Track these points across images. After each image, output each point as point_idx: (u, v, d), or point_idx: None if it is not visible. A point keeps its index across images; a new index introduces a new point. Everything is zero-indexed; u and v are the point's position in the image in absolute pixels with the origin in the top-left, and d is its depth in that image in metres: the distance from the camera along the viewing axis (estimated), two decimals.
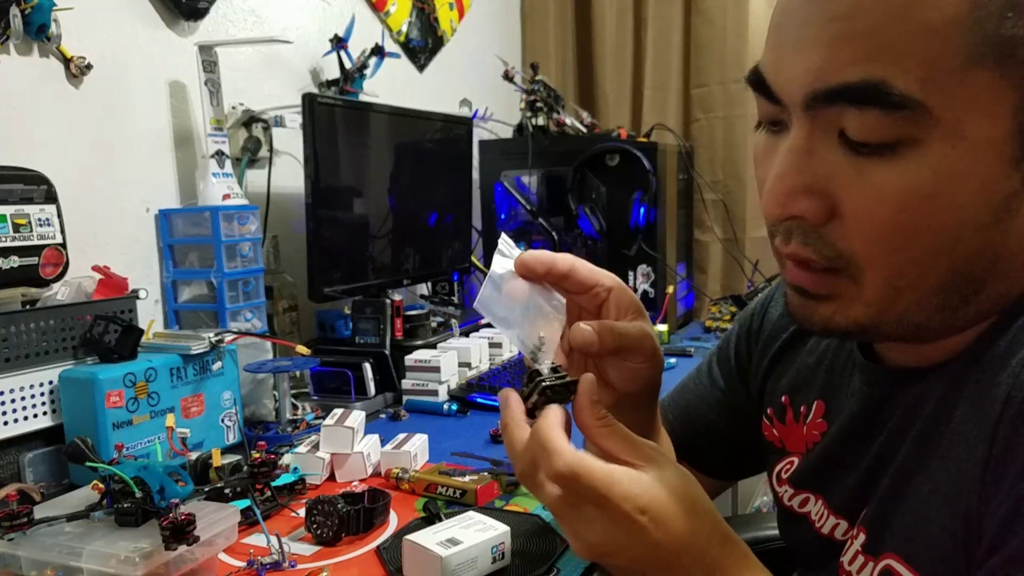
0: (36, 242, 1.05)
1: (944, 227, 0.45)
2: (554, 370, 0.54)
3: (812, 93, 0.45)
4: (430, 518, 0.85)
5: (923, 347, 0.53)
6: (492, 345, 1.51)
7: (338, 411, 1.04)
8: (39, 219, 1.06)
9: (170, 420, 0.95)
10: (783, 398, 0.69)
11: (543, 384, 0.52)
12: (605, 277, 0.61)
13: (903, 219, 0.45)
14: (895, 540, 0.51)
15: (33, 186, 1.06)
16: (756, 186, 0.53)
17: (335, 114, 1.40)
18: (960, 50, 0.42)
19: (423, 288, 1.86)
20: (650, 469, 0.49)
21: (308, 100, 1.32)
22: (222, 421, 1.12)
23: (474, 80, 2.22)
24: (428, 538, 0.73)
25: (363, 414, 1.05)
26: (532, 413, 0.52)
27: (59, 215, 1.09)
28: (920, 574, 0.48)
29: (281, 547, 0.77)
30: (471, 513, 0.80)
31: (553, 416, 0.50)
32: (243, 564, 0.77)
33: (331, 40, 1.62)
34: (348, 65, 1.62)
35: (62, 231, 1.09)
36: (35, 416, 0.98)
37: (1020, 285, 0.48)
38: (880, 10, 0.43)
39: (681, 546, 0.48)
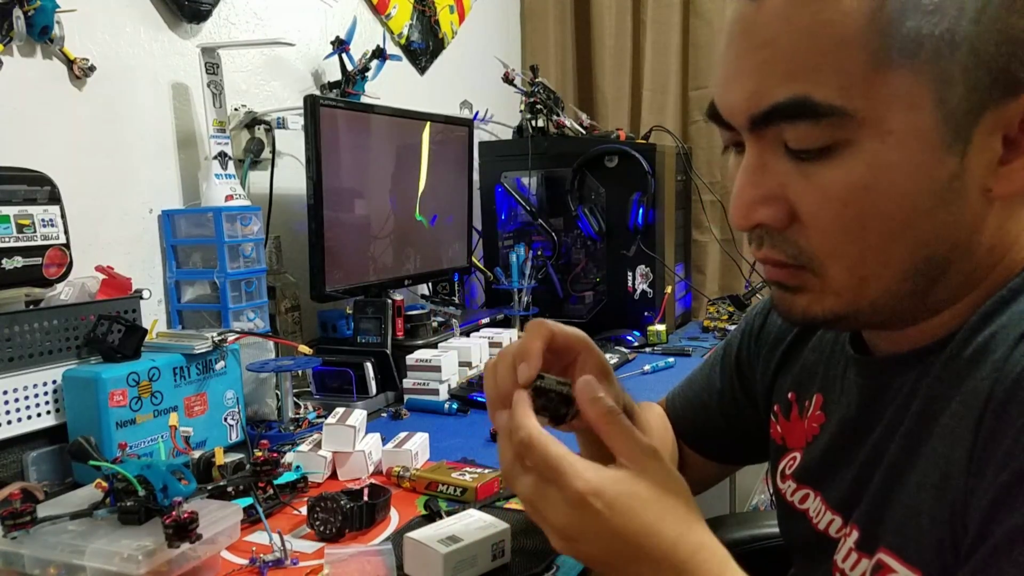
0: (40, 242, 1.06)
1: (890, 215, 0.49)
2: (559, 381, 0.59)
3: (751, 117, 0.51)
4: (431, 516, 0.86)
5: (908, 332, 0.55)
6: (492, 345, 1.52)
7: (340, 410, 1.05)
8: (43, 220, 1.07)
9: (173, 419, 0.96)
10: (789, 395, 0.72)
11: (542, 387, 0.58)
12: (578, 342, 0.65)
13: (850, 212, 0.49)
14: (887, 535, 0.52)
15: (37, 187, 1.07)
16: None
17: (337, 116, 1.41)
18: (869, 56, 0.46)
19: (424, 288, 1.87)
20: (631, 466, 0.52)
21: (310, 102, 1.33)
22: (225, 420, 1.12)
23: (474, 82, 2.23)
24: (429, 535, 0.74)
25: (364, 413, 1.05)
26: (538, 412, 0.57)
27: (63, 216, 1.09)
28: (912, 566, 0.49)
29: (283, 544, 0.78)
30: (471, 511, 0.81)
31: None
32: (245, 562, 0.78)
33: (333, 42, 1.62)
34: (350, 67, 1.63)
35: (66, 232, 1.10)
36: (38, 415, 0.99)
37: (988, 264, 0.51)
38: (794, 34, 0.47)
39: (647, 539, 0.50)
